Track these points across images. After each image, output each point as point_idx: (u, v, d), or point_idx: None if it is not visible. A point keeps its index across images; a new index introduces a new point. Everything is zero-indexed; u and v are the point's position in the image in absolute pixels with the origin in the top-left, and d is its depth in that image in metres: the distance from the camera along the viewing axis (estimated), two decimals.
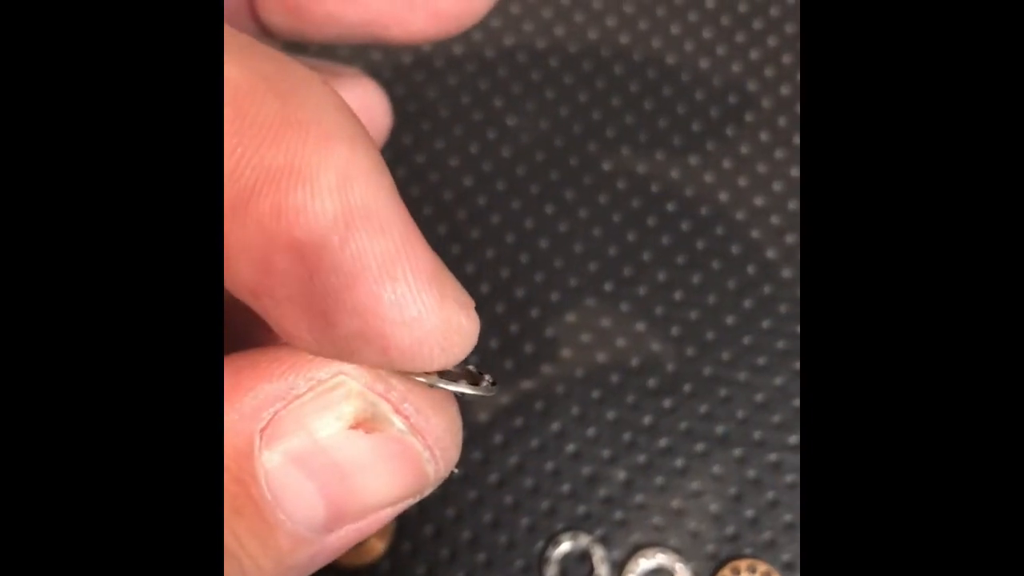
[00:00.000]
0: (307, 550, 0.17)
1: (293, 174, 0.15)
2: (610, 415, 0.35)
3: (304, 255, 0.15)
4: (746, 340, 0.35)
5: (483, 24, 0.39)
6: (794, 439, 0.34)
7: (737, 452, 0.34)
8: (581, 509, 0.34)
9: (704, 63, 0.39)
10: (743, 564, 0.32)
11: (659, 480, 0.34)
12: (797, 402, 0.35)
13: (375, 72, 0.38)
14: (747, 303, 0.36)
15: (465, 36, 0.39)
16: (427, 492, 0.18)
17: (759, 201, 0.37)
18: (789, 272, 0.36)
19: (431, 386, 0.17)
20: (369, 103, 0.26)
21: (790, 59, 0.39)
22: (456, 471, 0.18)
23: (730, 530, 0.33)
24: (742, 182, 0.37)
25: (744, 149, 0.38)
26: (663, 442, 0.34)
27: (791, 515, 0.33)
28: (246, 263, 0.16)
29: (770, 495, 0.34)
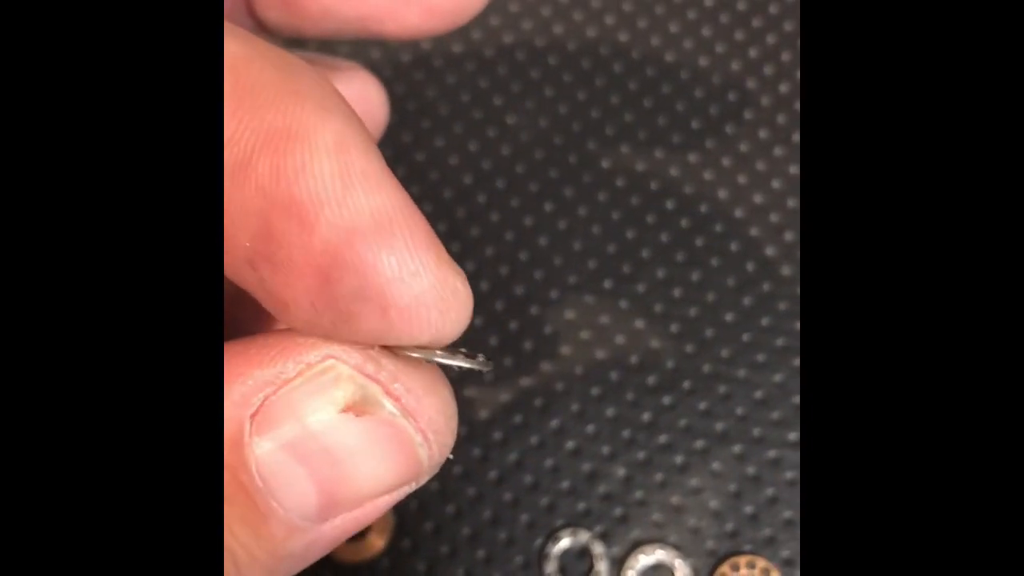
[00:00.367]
0: (301, 539, 0.17)
1: (292, 136, 0.16)
2: (609, 412, 0.35)
3: (303, 215, 0.16)
4: (745, 337, 0.35)
5: (482, 22, 0.40)
6: (793, 436, 0.34)
7: (737, 449, 0.34)
8: (581, 506, 0.34)
9: (703, 61, 0.39)
10: (742, 560, 0.32)
11: (659, 477, 0.34)
12: (796, 399, 0.35)
13: (374, 70, 0.39)
14: (746, 300, 0.36)
15: (464, 34, 0.39)
16: (423, 479, 0.17)
17: (758, 198, 0.37)
18: (788, 269, 0.36)
19: (428, 361, 0.17)
20: (367, 96, 0.26)
21: (789, 57, 0.39)
22: (451, 459, 0.18)
23: (729, 526, 0.33)
24: (741, 179, 0.37)
25: (743, 147, 0.38)
26: (663, 439, 0.34)
27: (790, 511, 0.33)
28: (245, 230, 0.16)
29: (769, 491, 0.34)
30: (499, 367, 0.35)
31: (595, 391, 0.35)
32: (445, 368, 0.18)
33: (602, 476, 0.34)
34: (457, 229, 0.37)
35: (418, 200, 0.37)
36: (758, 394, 0.35)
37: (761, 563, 0.32)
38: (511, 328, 0.36)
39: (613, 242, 0.37)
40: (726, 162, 0.38)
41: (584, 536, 0.33)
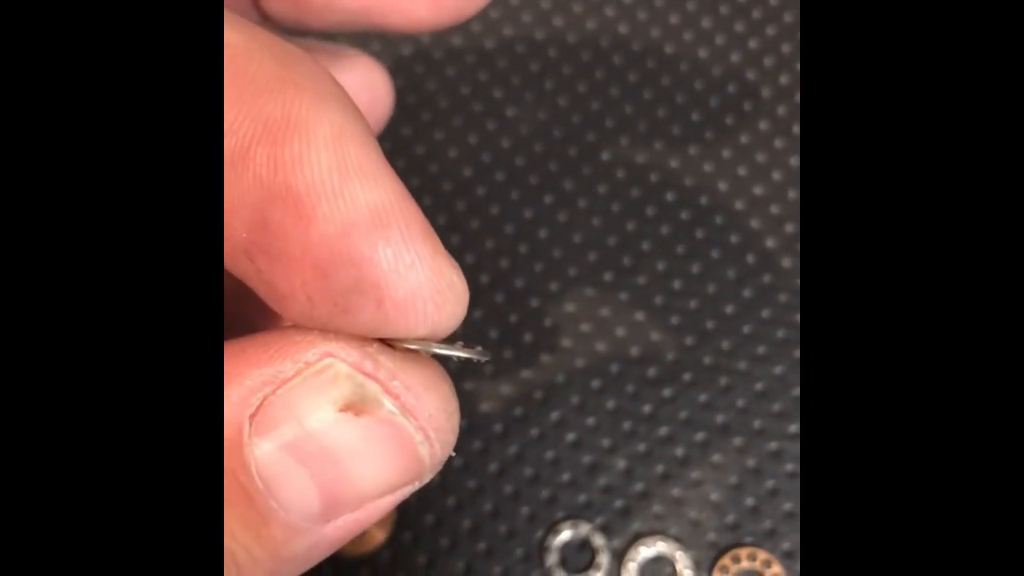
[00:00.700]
0: (304, 540, 0.17)
1: (290, 127, 0.16)
2: (610, 404, 0.35)
3: (300, 205, 0.16)
4: (746, 329, 0.35)
5: (482, 15, 0.39)
6: (794, 428, 0.34)
7: (737, 441, 0.34)
8: (581, 498, 0.34)
9: (703, 52, 0.39)
10: (743, 552, 0.33)
11: (659, 469, 0.34)
12: (797, 391, 0.35)
13: None
14: (747, 292, 0.36)
15: (464, 27, 0.39)
16: (426, 478, 0.17)
17: (759, 190, 0.37)
18: (789, 261, 0.36)
19: (425, 353, 0.17)
20: (371, 83, 0.26)
21: (789, 48, 0.39)
22: (454, 455, 0.18)
23: (730, 519, 0.33)
24: (742, 171, 0.37)
25: (743, 138, 0.38)
26: (663, 431, 0.34)
27: (791, 504, 0.33)
28: (241, 220, 0.16)
29: (770, 484, 0.34)
30: (499, 360, 0.35)
31: (595, 383, 0.35)
32: (444, 360, 0.18)
33: (603, 468, 0.34)
34: (457, 222, 0.37)
35: (418, 193, 0.37)
36: (759, 386, 0.35)
37: (762, 555, 0.32)
38: (511, 321, 0.36)
39: (613, 234, 0.37)
40: (726, 154, 0.38)
41: (585, 528, 0.33)
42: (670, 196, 0.37)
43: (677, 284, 0.36)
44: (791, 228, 0.37)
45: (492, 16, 0.40)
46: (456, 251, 0.37)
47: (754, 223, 0.37)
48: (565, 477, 0.34)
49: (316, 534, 0.17)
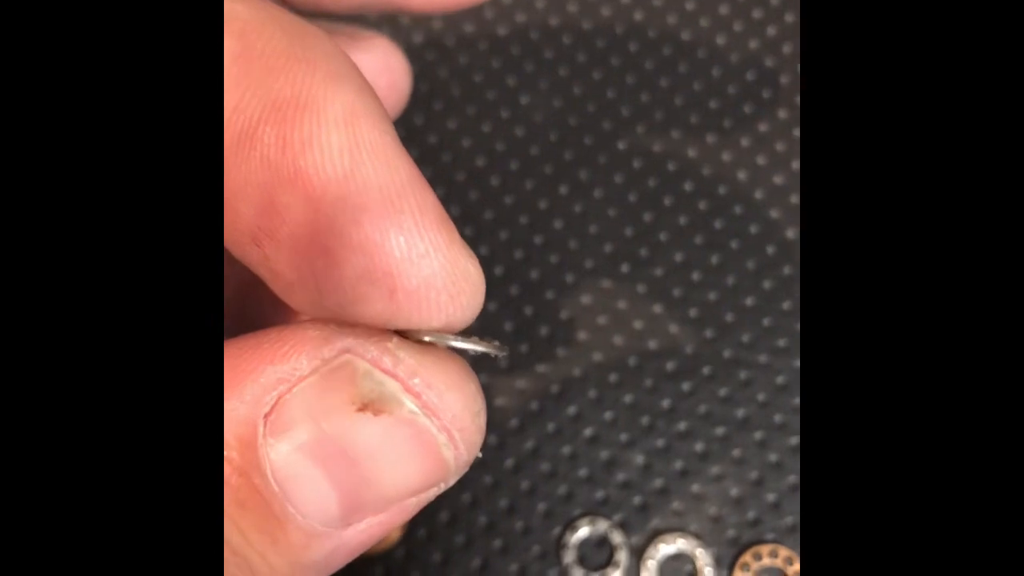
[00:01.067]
0: (323, 546, 0.16)
1: (300, 106, 0.15)
2: (627, 398, 0.34)
3: (309, 189, 0.15)
4: (766, 321, 0.35)
5: (494, 1, 0.39)
6: None
7: (758, 435, 0.33)
8: (599, 494, 0.33)
9: (720, 40, 0.38)
10: (765, 549, 0.32)
11: (678, 464, 0.33)
12: None
13: None
14: (767, 284, 0.35)
15: (476, 13, 0.39)
16: (451, 481, 0.17)
17: (778, 179, 0.36)
18: None
19: (440, 345, 0.16)
20: (389, 65, 0.25)
21: None
22: (480, 456, 0.17)
23: (751, 515, 0.33)
24: (760, 160, 0.36)
25: (762, 127, 0.37)
26: (682, 426, 0.34)
27: None
28: (248, 204, 0.15)
29: (792, 479, 0.33)
30: (514, 353, 0.35)
31: (612, 377, 0.34)
32: (459, 353, 0.17)
33: (620, 464, 0.33)
34: (471, 212, 0.36)
35: (431, 183, 0.36)
36: (780, 380, 0.34)
37: (784, 552, 0.32)
38: (526, 313, 0.35)
39: (630, 225, 0.36)
40: (745, 143, 0.37)
41: (603, 525, 0.32)
42: (688, 186, 0.36)
43: (696, 276, 0.35)
44: None
45: (505, 2, 0.39)
46: (470, 242, 0.36)
47: (774, 213, 0.36)
48: (582, 473, 0.33)
49: (336, 539, 0.16)
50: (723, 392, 0.34)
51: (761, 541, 0.32)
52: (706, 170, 0.36)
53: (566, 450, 0.34)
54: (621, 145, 0.37)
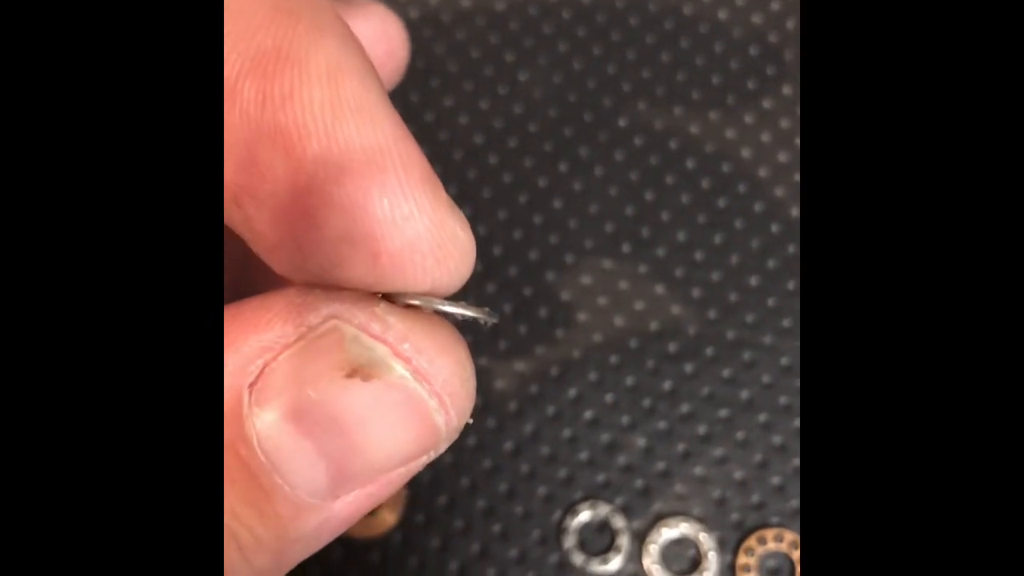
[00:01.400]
0: (312, 519, 0.15)
1: (282, 59, 0.14)
2: (629, 381, 0.33)
3: (289, 146, 0.14)
4: (770, 302, 0.34)
5: None
6: None
7: (762, 417, 0.33)
8: (600, 477, 0.32)
9: (723, 14, 0.37)
10: (770, 533, 0.31)
11: (681, 447, 0.32)
12: None
13: None
14: (771, 263, 0.34)
15: None
16: (441, 448, 0.16)
17: (783, 157, 0.35)
18: None
19: (427, 309, 0.16)
20: (386, 32, 0.25)
21: None
22: (470, 423, 0.16)
23: (756, 498, 0.32)
24: (765, 137, 0.36)
25: (766, 103, 0.36)
26: (685, 408, 0.33)
27: None
28: (228, 162, 0.15)
29: (797, 462, 0.32)
30: (514, 335, 0.34)
31: (614, 359, 0.33)
32: (447, 318, 0.16)
33: (622, 447, 0.33)
34: (468, 191, 0.35)
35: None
36: (784, 361, 0.33)
37: (789, 536, 0.31)
38: (525, 294, 0.34)
39: (631, 204, 0.35)
40: (748, 119, 0.36)
41: (604, 509, 0.32)
42: (690, 164, 0.35)
43: (698, 255, 0.34)
44: None
45: None
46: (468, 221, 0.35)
47: (778, 191, 0.35)
48: (583, 456, 0.33)
49: (324, 511, 0.15)
50: (726, 373, 0.33)
51: (766, 525, 0.31)
52: (709, 147, 0.36)
53: (566, 433, 0.33)
54: (622, 122, 0.36)
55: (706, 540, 0.31)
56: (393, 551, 0.32)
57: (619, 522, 0.32)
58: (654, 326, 0.34)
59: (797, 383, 0.33)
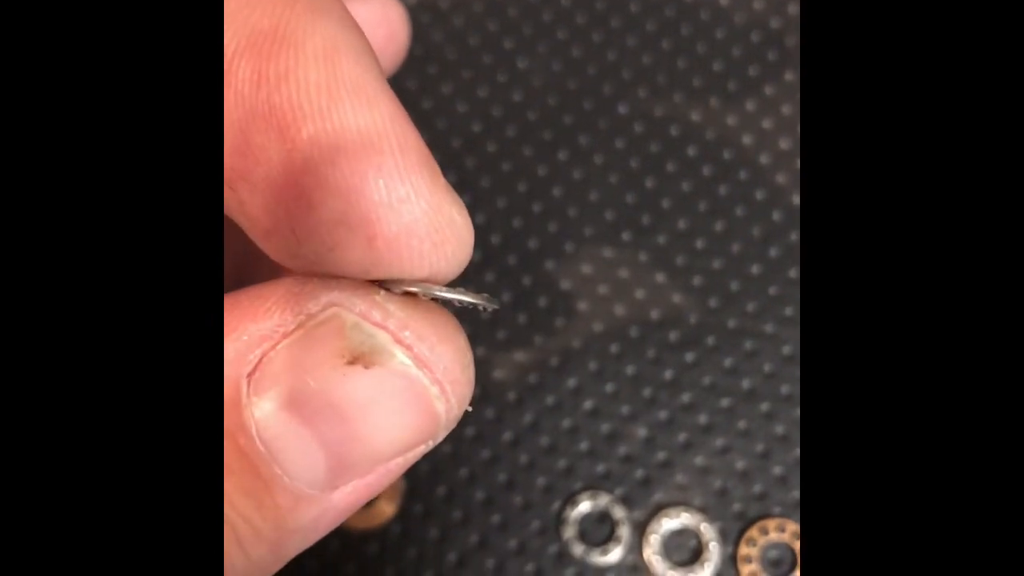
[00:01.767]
0: (310, 509, 0.15)
1: (277, 39, 0.14)
2: (629, 370, 0.33)
3: (284, 128, 0.14)
4: (772, 290, 0.34)
5: None
6: None
7: (764, 407, 0.32)
8: (600, 468, 0.32)
9: (724, 0, 0.37)
10: (772, 524, 0.31)
11: (682, 437, 0.32)
12: None
13: None
14: (773, 251, 0.34)
15: None
16: (440, 436, 0.16)
17: (784, 144, 0.35)
18: None
19: (425, 296, 0.15)
20: (387, 16, 0.24)
21: None
22: (470, 410, 0.16)
23: (758, 488, 0.32)
24: (766, 124, 0.35)
25: (768, 90, 0.36)
26: (686, 397, 0.33)
27: None
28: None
29: (799, 452, 0.32)
30: (513, 324, 0.34)
31: (614, 348, 0.33)
32: (446, 305, 0.16)
33: (622, 437, 0.32)
34: (467, 180, 0.35)
35: None
36: (786, 350, 0.33)
37: (791, 526, 0.31)
38: (525, 283, 0.34)
39: (631, 192, 0.35)
40: (750, 106, 0.36)
41: (604, 499, 0.31)
42: (691, 151, 0.35)
43: (699, 243, 0.34)
44: None
45: None
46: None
47: (780, 178, 0.35)
48: (583, 446, 0.32)
49: (323, 502, 0.15)
50: (728, 363, 0.33)
51: (768, 515, 0.31)
52: (710, 134, 0.35)
53: (566, 423, 0.33)
54: (622, 109, 0.36)
55: (707, 530, 0.31)
56: (391, 542, 0.32)
57: (619, 512, 0.31)
58: (655, 315, 0.34)
59: (799, 372, 0.33)
